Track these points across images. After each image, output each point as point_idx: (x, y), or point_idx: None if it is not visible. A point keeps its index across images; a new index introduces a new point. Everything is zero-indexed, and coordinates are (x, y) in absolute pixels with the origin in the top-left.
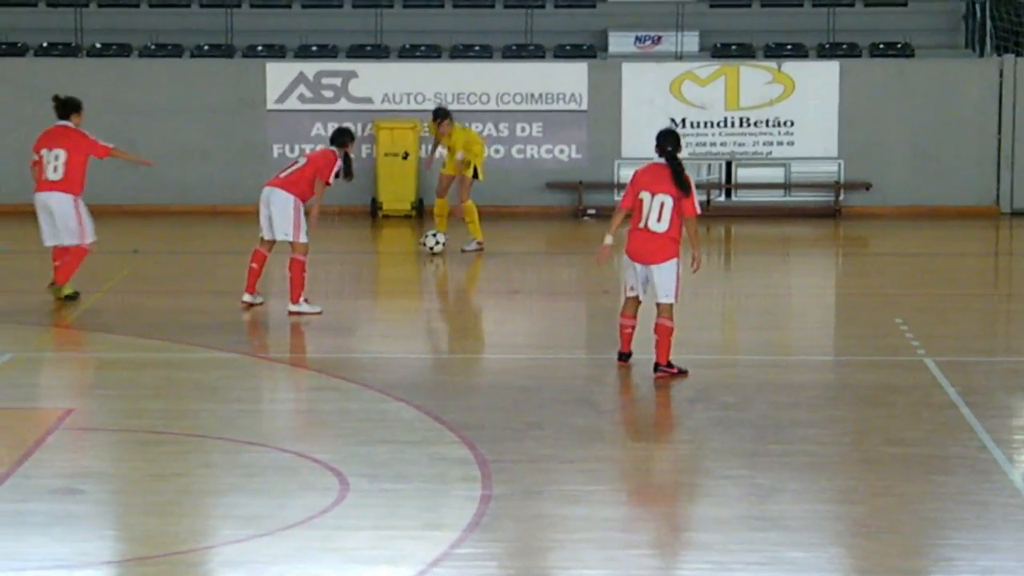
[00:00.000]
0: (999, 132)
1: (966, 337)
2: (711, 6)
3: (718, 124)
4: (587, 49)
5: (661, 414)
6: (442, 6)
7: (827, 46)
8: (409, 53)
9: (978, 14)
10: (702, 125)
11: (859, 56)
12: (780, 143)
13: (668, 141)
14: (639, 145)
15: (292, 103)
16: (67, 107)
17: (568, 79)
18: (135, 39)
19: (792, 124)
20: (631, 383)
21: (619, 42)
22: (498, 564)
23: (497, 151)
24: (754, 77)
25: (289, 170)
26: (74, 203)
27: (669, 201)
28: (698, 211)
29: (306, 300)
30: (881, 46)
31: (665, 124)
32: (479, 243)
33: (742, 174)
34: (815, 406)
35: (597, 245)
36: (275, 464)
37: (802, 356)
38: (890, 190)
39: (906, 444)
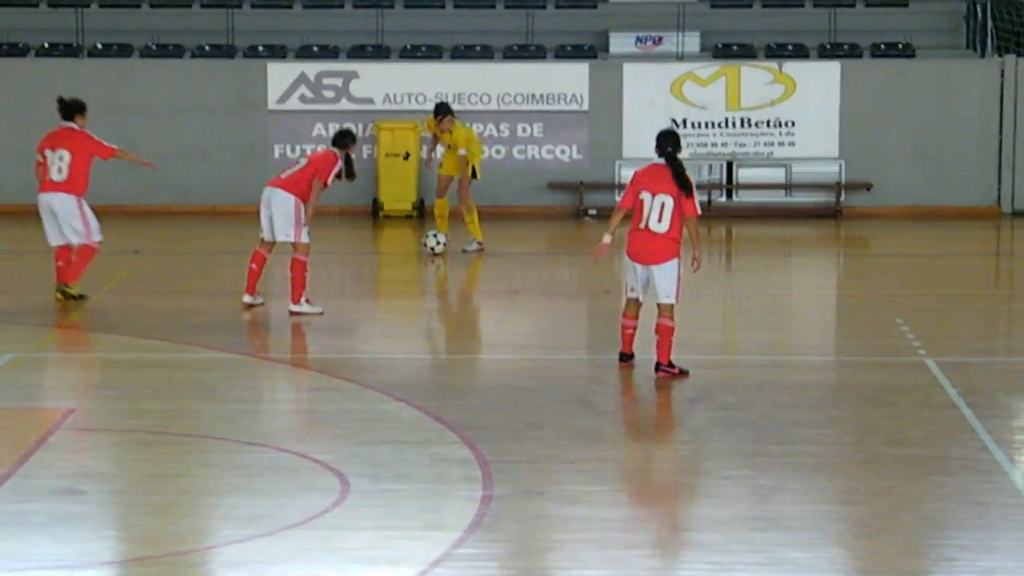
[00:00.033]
0: (1000, 132)
1: (967, 337)
2: (712, 6)
3: (719, 124)
4: (588, 49)
5: (662, 414)
6: (443, 6)
7: (828, 46)
8: (410, 53)
9: (979, 14)
10: (703, 125)
11: (860, 56)
12: (781, 143)
13: (668, 141)
14: (640, 146)
15: (293, 103)
16: (72, 109)
17: (569, 79)
18: (136, 40)
19: (793, 124)
20: (632, 384)
21: (620, 42)
22: (499, 564)
23: (498, 151)
24: (755, 77)
25: (290, 171)
26: (78, 203)
27: (670, 201)
28: (699, 212)
29: (307, 300)
30: (882, 46)
31: (666, 125)
32: (479, 243)
33: (743, 174)
34: (816, 406)
35: (596, 245)
36: (276, 464)
37: (803, 356)
38: (891, 190)
39: (907, 444)
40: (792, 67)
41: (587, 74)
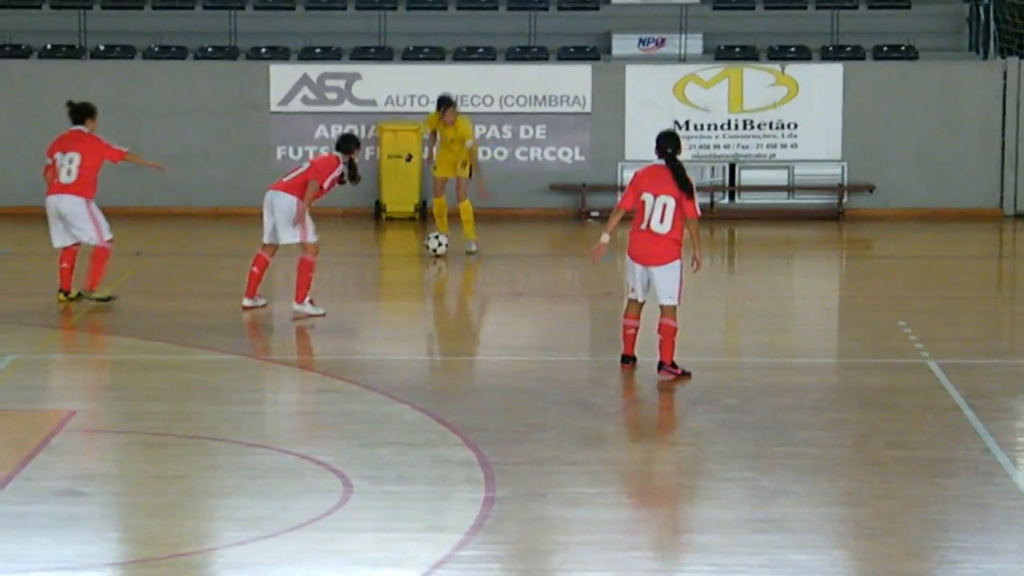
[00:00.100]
0: (1003, 135)
1: (970, 340)
2: (714, 8)
3: (721, 126)
4: (591, 51)
5: (664, 416)
6: (446, 8)
7: (831, 48)
8: (413, 55)
9: (982, 17)
10: (705, 127)
11: (863, 59)
12: (784, 145)
13: (668, 143)
14: (642, 148)
15: (296, 105)
16: (82, 113)
17: (572, 81)
18: (139, 41)
19: (795, 126)
20: (634, 386)
21: (623, 44)
22: (501, 566)
23: (500, 153)
24: (757, 79)
25: (292, 174)
26: (86, 205)
27: (672, 203)
28: (699, 213)
29: (311, 301)
30: (885, 49)
31: (668, 127)
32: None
33: (745, 176)
34: (818, 409)
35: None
36: (278, 466)
37: (805, 359)
38: (893, 192)
39: (909, 447)
40: (794, 69)
41: (589, 76)
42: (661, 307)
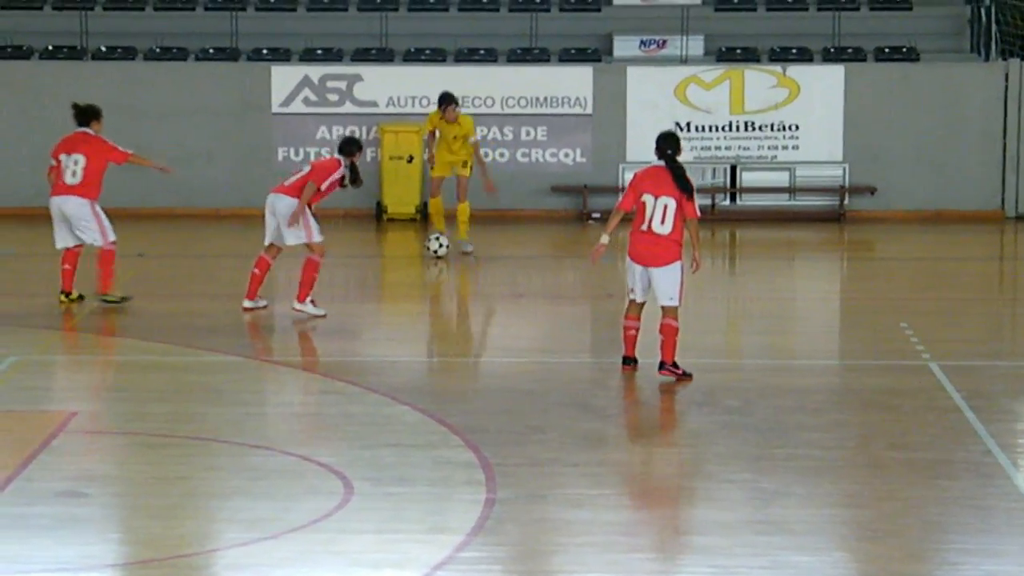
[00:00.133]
0: (1004, 136)
1: (971, 341)
2: (716, 10)
3: (723, 128)
4: (592, 53)
5: (665, 418)
6: (447, 10)
7: (832, 50)
8: (414, 56)
9: (983, 19)
10: (707, 129)
11: (864, 60)
12: (785, 147)
13: (668, 144)
14: (644, 149)
15: (297, 106)
16: (87, 115)
17: (573, 83)
18: (140, 42)
19: (797, 128)
20: (635, 387)
21: (624, 46)
22: (502, 568)
23: (502, 155)
24: (759, 81)
25: (294, 177)
26: (91, 207)
27: (673, 204)
28: (699, 214)
29: (312, 301)
30: (886, 50)
31: (670, 128)
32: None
33: (747, 178)
34: (820, 410)
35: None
36: (280, 467)
37: (807, 360)
38: (895, 194)
39: (911, 448)
40: (796, 71)
41: (591, 77)
42: (663, 308)
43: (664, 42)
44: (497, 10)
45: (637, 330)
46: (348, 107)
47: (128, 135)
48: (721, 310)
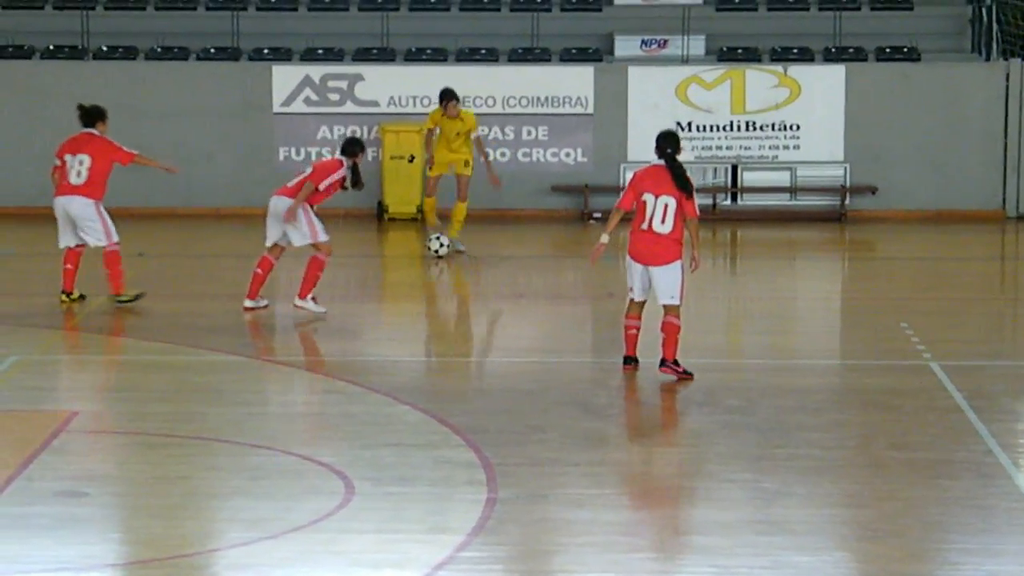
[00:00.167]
0: (1005, 136)
1: (972, 341)
2: (717, 10)
3: (724, 128)
4: (593, 52)
5: (665, 418)
6: (448, 9)
7: (833, 50)
8: (415, 56)
9: (984, 18)
10: (708, 129)
11: (865, 60)
12: (786, 147)
13: (668, 143)
14: (645, 149)
15: (298, 106)
16: (93, 115)
17: (574, 82)
18: (141, 42)
19: (798, 128)
20: (636, 387)
21: (625, 46)
22: (503, 568)
23: (503, 154)
24: (760, 81)
25: (296, 179)
26: (95, 207)
27: (673, 203)
28: (698, 213)
29: (314, 299)
30: (887, 50)
31: (671, 128)
32: (452, 244)
33: (748, 178)
34: (820, 410)
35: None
36: (281, 467)
37: (808, 360)
38: (896, 194)
39: (911, 448)
40: (797, 71)
41: (592, 77)
42: (664, 307)
43: (665, 42)
44: (498, 10)
45: (638, 329)
46: (349, 107)
47: (129, 135)
48: (722, 310)
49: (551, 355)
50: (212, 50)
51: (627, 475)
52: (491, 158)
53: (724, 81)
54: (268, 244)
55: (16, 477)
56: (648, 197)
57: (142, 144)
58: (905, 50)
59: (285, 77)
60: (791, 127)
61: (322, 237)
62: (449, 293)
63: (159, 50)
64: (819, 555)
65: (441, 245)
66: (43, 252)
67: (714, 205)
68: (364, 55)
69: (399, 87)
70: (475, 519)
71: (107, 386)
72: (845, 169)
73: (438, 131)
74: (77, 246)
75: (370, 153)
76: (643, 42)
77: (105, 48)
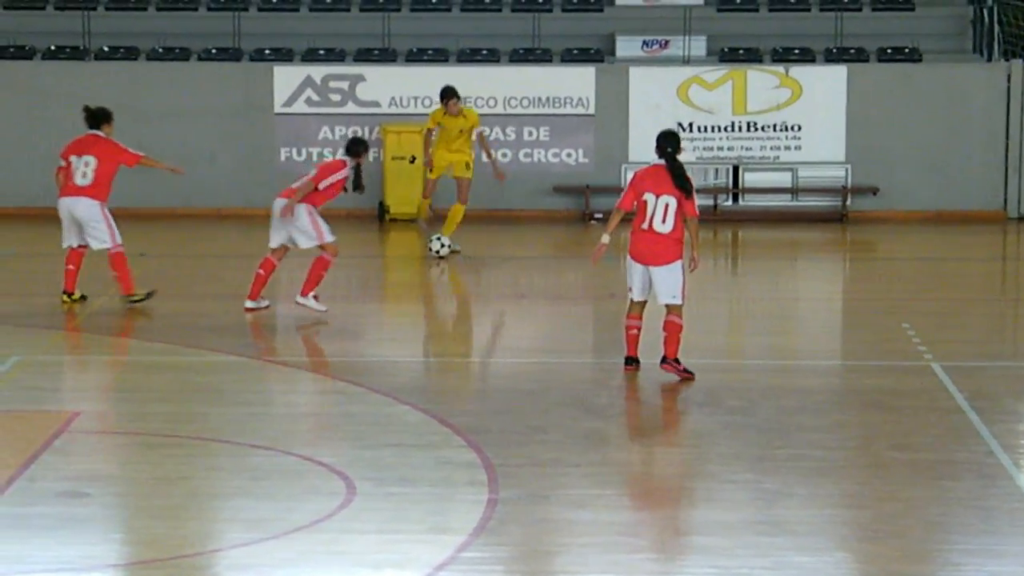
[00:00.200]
0: (1007, 137)
1: (973, 342)
2: (718, 10)
3: (725, 128)
4: (594, 53)
5: (667, 418)
6: (449, 10)
7: (835, 51)
8: (416, 57)
9: (986, 19)
10: (709, 129)
11: (867, 61)
12: (787, 147)
13: (668, 142)
14: (646, 150)
15: (299, 107)
16: (99, 118)
17: (575, 83)
18: (143, 42)
19: (799, 128)
20: (637, 387)
21: (626, 46)
22: (504, 568)
23: (504, 155)
24: (761, 81)
25: (300, 181)
26: (101, 209)
27: (674, 202)
28: (698, 212)
29: (315, 297)
30: (889, 51)
31: (672, 128)
32: (452, 245)
33: (749, 178)
34: (822, 411)
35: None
36: (282, 468)
37: (809, 360)
38: (897, 195)
39: (913, 449)
40: (798, 71)
41: (593, 78)
42: (667, 306)
43: (666, 42)
44: (500, 10)
45: (639, 330)
46: (351, 107)
47: (130, 135)
48: (723, 310)
49: (552, 355)
50: (213, 51)
51: (628, 476)
52: (494, 155)
53: (725, 82)
54: (273, 246)
55: (17, 477)
56: (649, 197)
57: (144, 145)
58: (906, 51)
59: (286, 78)
60: (792, 128)
61: (328, 238)
62: (450, 294)
63: (160, 50)
64: (820, 556)
65: (442, 246)
66: (44, 252)
67: (715, 206)
68: (365, 56)
69: (400, 88)
70: (476, 520)
71: (108, 386)
72: (846, 170)
73: (437, 131)
74: (80, 246)
75: (371, 154)
76: (644, 43)
77: (106, 48)
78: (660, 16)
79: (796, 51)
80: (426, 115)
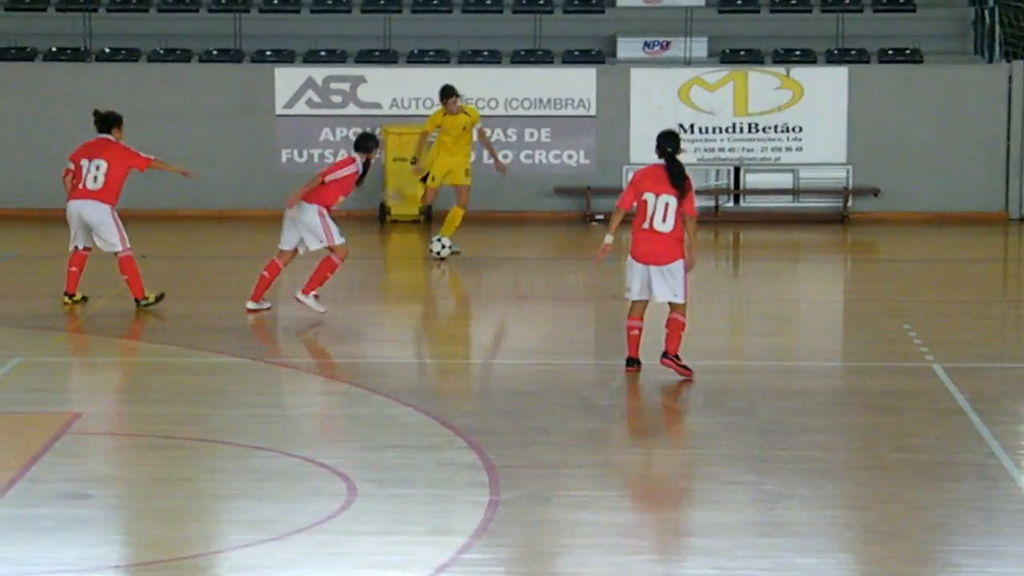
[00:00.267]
0: (1008, 138)
1: (974, 343)
2: (720, 12)
3: (727, 130)
4: (596, 54)
5: (668, 419)
6: (451, 11)
7: (836, 52)
8: (418, 58)
9: (987, 20)
10: (711, 131)
11: (868, 62)
12: (789, 149)
13: (668, 142)
14: (647, 151)
15: (301, 108)
16: (109, 122)
17: (577, 84)
18: (144, 44)
19: (801, 130)
20: (638, 388)
21: (628, 47)
22: (505, 570)
23: (505, 156)
24: (763, 83)
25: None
26: (111, 213)
27: (674, 202)
28: (696, 212)
29: (316, 297)
30: (890, 52)
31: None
32: (452, 246)
33: (750, 180)
34: (823, 412)
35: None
36: (283, 469)
37: (810, 362)
38: (898, 196)
39: (914, 450)
40: (800, 72)
41: (594, 79)
42: (671, 304)
43: (668, 44)
44: (501, 11)
45: (640, 330)
46: (352, 109)
47: (132, 136)
48: (725, 312)
49: (554, 357)
50: (214, 52)
51: (630, 477)
52: (485, 172)
53: (727, 83)
54: (283, 248)
55: (19, 479)
56: (649, 196)
57: (145, 146)
58: (908, 52)
59: (287, 79)
60: (793, 129)
61: (338, 240)
62: (451, 295)
63: (162, 52)
64: (822, 557)
65: (443, 247)
66: (45, 254)
67: (716, 207)
68: (367, 57)
69: (402, 89)
70: (478, 521)
71: (110, 388)
72: (848, 171)
73: (434, 135)
74: (85, 248)
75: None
76: (645, 44)
77: (108, 50)
78: (661, 17)
79: (797, 52)
80: (426, 116)
